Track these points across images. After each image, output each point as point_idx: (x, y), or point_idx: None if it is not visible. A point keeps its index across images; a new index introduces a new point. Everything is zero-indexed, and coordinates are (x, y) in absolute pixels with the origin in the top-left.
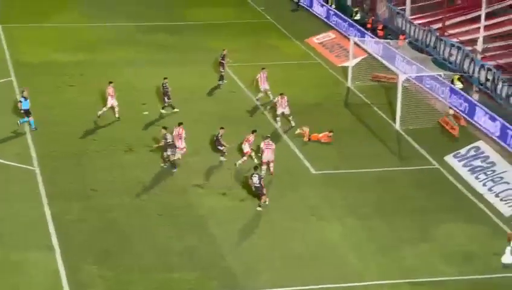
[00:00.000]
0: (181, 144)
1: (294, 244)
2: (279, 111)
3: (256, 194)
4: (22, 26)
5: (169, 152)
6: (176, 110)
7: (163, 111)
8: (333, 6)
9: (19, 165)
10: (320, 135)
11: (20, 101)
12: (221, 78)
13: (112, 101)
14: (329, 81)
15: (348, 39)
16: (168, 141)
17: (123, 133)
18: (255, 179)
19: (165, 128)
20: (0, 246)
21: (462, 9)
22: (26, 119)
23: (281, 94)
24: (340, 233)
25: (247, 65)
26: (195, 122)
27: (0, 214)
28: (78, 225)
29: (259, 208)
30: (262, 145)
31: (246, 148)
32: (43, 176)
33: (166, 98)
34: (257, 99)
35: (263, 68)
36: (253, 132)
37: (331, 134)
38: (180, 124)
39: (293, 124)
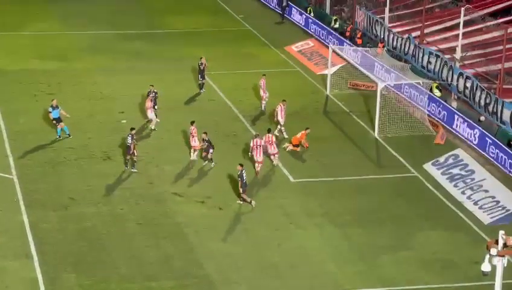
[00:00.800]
0: (194, 142)
1: (272, 253)
2: (282, 121)
3: (241, 190)
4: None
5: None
6: (157, 120)
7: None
8: (312, 14)
9: None
10: (298, 135)
11: (50, 111)
12: (201, 87)
13: (151, 115)
14: (308, 89)
15: (327, 47)
16: (129, 143)
17: (101, 142)
18: (245, 174)
19: (132, 129)
20: None
21: (441, 18)
22: (65, 127)
23: (283, 101)
24: (319, 241)
25: (226, 73)
26: (173, 131)
27: None
28: (56, 234)
29: (240, 202)
30: (252, 144)
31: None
32: (20, 185)
33: (153, 105)
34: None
35: (264, 74)
36: (269, 130)
37: (308, 131)
38: (192, 122)
39: (277, 134)
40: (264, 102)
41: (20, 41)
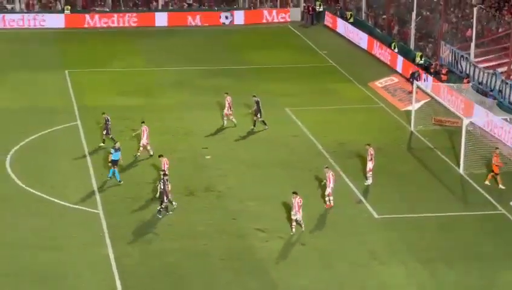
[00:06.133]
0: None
1: None
2: (369, 165)
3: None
4: (87, 71)
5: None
6: (102, 144)
7: (102, 144)
8: (396, 50)
9: (82, 208)
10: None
11: (111, 153)
12: (255, 123)
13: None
14: (392, 126)
15: (411, 83)
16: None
17: (184, 177)
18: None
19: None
20: (64, 288)
21: None
22: (112, 170)
23: (368, 144)
24: (403, 278)
25: (310, 109)
26: (256, 167)
27: (65, 257)
28: (140, 268)
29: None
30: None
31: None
32: (106, 219)
33: (105, 132)
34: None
35: (226, 93)
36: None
37: (497, 150)
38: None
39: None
40: (225, 118)
41: (106, 78)
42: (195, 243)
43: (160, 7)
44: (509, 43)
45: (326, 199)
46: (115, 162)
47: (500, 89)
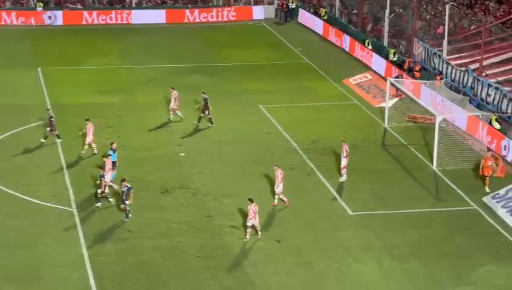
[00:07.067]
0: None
1: (330, 287)
2: (344, 162)
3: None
4: (61, 68)
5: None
6: (43, 140)
7: (43, 140)
8: (370, 47)
9: (56, 206)
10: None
11: (109, 155)
12: (199, 120)
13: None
14: (366, 122)
15: (385, 80)
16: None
17: (159, 175)
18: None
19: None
20: (39, 287)
21: (500, 50)
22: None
23: (343, 141)
24: (377, 275)
25: (284, 106)
26: (231, 165)
27: (38, 256)
28: (114, 266)
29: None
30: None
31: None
32: (80, 217)
33: (49, 129)
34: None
35: (172, 87)
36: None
37: (489, 153)
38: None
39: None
40: (171, 112)
41: (82, 76)
42: (170, 241)
43: (134, 5)
44: (481, 40)
45: (276, 196)
46: (113, 164)
47: (472, 85)
